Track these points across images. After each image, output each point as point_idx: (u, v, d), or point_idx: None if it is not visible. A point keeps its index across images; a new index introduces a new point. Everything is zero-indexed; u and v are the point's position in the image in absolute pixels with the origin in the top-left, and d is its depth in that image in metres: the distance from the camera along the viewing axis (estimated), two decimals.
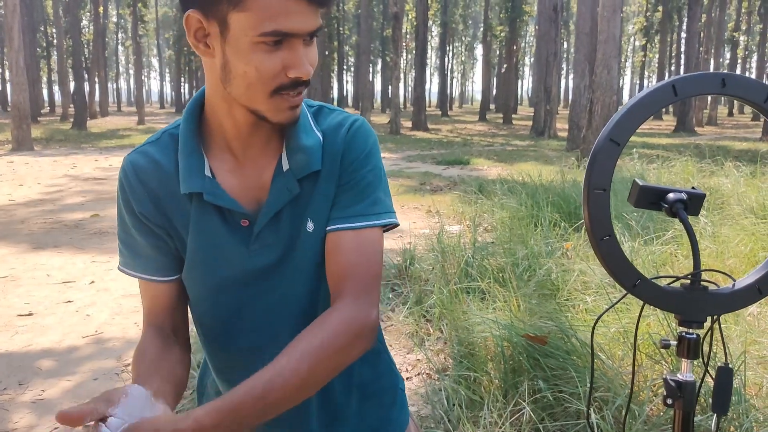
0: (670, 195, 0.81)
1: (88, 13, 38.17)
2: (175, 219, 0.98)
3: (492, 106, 47.06)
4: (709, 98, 36.33)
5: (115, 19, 57.50)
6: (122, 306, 4.43)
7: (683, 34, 35.79)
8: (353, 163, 0.98)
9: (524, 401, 2.45)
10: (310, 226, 0.97)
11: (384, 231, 0.99)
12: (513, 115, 35.09)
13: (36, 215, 7.83)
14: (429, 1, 32.10)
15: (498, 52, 43.69)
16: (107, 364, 3.48)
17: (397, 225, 0.99)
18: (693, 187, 0.83)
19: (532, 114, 26.73)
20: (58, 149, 17.76)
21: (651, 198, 0.82)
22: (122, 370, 3.39)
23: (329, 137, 0.99)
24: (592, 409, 2.36)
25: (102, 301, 4.53)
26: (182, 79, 51.93)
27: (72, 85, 28.91)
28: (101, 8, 34.40)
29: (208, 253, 0.98)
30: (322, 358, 0.86)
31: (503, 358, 2.83)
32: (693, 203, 0.82)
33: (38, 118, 31.68)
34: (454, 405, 2.64)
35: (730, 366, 0.80)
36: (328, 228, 0.97)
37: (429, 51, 53.70)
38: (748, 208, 5.40)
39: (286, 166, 0.96)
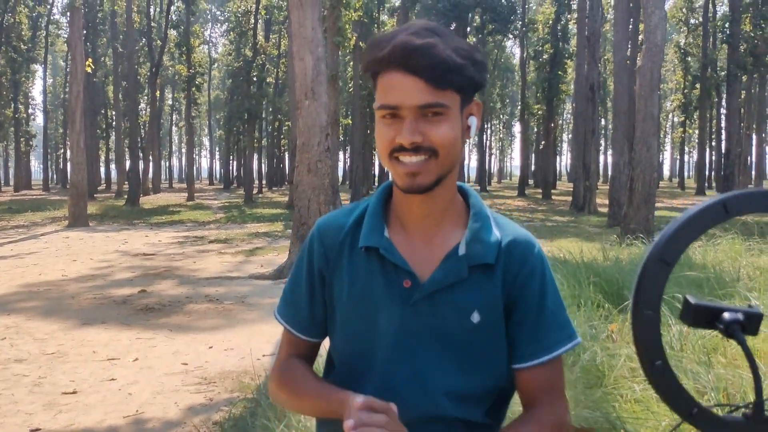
0: (726, 315, 0.76)
1: (145, 97, 40.40)
2: (340, 270, 1.12)
3: (531, 182, 47.07)
4: (754, 172, 35.65)
5: (170, 102, 60.64)
6: (164, 385, 4.47)
7: (723, 110, 35.61)
8: (543, 294, 1.09)
9: None
10: (475, 317, 1.06)
11: None
12: (552, 191, 34.97)
13: (86, 290, 8.07)
14: None
15: (536, 129, 44.15)
16: None
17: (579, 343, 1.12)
18: (749, 305, 0.79)
19: (572, 189, 26.61)
20: (111, 225, 18.43)
21: (705, 317, 0.77)
22: None
23: (508, 243, 1.09)
24: None
25: (145, 380, 4.58)
26: (231, 156, 53.88)
27: (128, 163, 30.29)
28: (158, 92, 36.46)
29: (367, 306, 1.09)
30: None
31: None
32: (751, 323, 0.77)
33: (95, 195, 33.09)
34: None
35: None
36: (532, 362, 1.08)
37: None
38: None
39: (462, 251, 1.07)
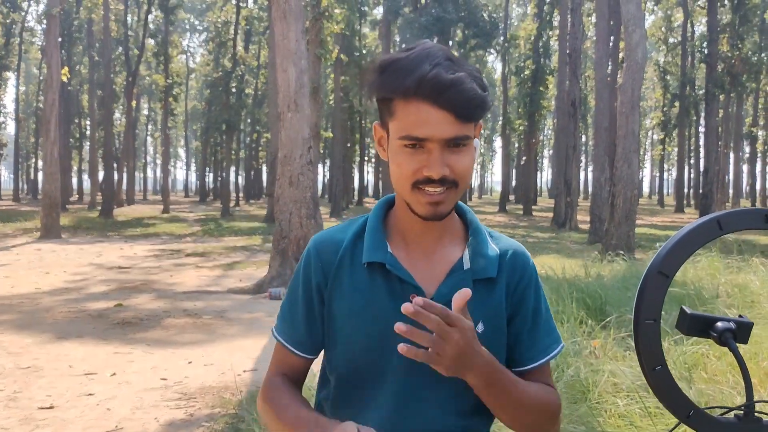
0: (719, 324, 0.82)
1: (121, 107, 40.00)
2: (340, 286, 1.13)
3: (511, 197, 47.43)
4: (731, 190, 36.40)
5: (146, 112, 60.12)
6: (143, 400, 4.38)
7: (701, 128, 36.38)
8: (537, 303, 1.16)
9: None
10: (480, 327, 1.10)
11: None
12: (533, 207, 35.28)
13: (60, 304, 7.90)
14: None
15: (517, 145, 44.60)
16: None
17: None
18: (740, 315, 0.84)
19: (552, 205, 26.86)
20: (84, 237, 18.13)
21: (700, 326, 0.83)
22: None
23: (504, 256, 1.16)
24: None
25: (123, 395, 4.48)
26: (207, 168, 53.53)
27: (101, 174, 29.88)
28: (134, 102, 36.14)
29: (371, 320, 1.10)
30: (548, 411, 1.10)
31: None
32: (741, 332, 0.82)
33: (67, 206, 32.54)
34: None
35: None
36: (531, 366, 1.15)
37: None
38: None
39: (467, 265, 1.12)
